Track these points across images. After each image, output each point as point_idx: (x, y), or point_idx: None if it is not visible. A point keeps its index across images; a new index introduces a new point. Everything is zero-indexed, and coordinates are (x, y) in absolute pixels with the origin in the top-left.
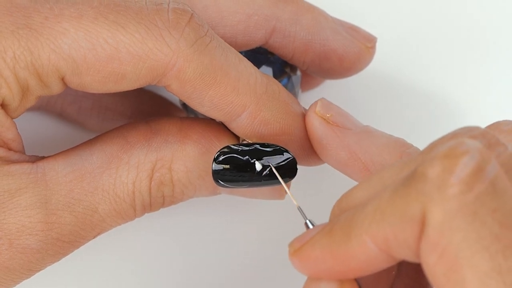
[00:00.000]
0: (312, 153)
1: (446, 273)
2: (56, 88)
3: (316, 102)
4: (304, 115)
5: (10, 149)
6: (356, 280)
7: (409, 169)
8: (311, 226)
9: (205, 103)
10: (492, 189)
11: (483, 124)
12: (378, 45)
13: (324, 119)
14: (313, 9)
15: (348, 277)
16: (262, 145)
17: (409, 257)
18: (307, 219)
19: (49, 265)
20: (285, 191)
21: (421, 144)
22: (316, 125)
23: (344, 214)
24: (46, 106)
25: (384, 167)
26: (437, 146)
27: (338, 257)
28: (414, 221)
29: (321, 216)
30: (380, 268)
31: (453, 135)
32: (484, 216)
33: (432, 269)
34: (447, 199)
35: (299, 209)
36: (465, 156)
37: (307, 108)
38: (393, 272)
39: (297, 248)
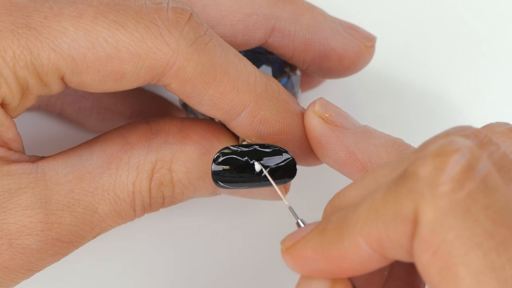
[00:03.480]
0: (312, 152)
1: (440, 271)
2: (55, 87)
3: (314, 102)
4: (303, 115)
5: (10, 149)
6: (350, 279)
7: (402, 168)
8: (302, 226)
9: (204, 102)
10: (483, 187)
11: (483, 124)
12: (377, 44)
13: (323, 119)
14: (312, 8)
15: (340, 276)
16: (261, 145)
17: (403, 257)
18: (298, 218)
19: (49, 265)
20: (284, 191)
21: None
22: (314, 125)
23: (337, 213)
24: (46, 106)
25: (378, 166)
26: (429, 145)
27: (330, 257)
28: (406, 220)
29: (320, 217)
30: (373, 268)
31: (445, 134)
32: (477, 213)
33: (426, 268)
34: (439, 197)
35: (291, 209)
36: (456, 154)
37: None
38: (386, 273)
39: (289, 246)
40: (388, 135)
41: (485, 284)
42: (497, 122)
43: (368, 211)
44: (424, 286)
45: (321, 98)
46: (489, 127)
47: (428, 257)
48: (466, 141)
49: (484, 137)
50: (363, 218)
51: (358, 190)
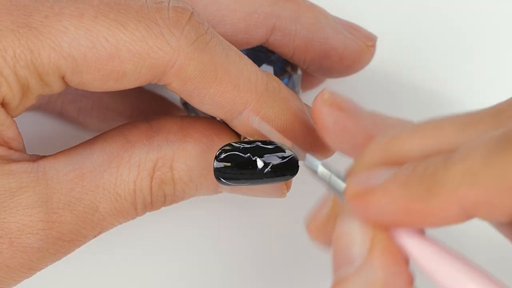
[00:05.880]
0: (314, 148)
1: None
2: (56, 87)
3: (321, 92)
4: (304, 111)
5: (10, 148)
6: None
7: (499, 129)
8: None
9: (206, 101)
10: None
11: None
12: (378, 44)
13: (335, 105)
14: (313, 7)
15: (415, 227)
16: (264, 142)
17: (498, 219)
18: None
19: (50, 264)
20: (287, 189)
21: None
22: (327, 112)
23: (420, 166)
24: (46, 106)
25: (439, 118)
26: None
27: (413, 211)
28: None
29: None
30: (455, 223)
31: None
32: None
33: None
34: None
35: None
36: None
37: (309, 105)
38: None
39: (361, 192)
40: (395, 116)
41: None
42: None
43: (465, 173)
44: None
45: (324, 88)
46: None
47: None
48: None
49: None
50: (458, 179)
51: (421, 140)
